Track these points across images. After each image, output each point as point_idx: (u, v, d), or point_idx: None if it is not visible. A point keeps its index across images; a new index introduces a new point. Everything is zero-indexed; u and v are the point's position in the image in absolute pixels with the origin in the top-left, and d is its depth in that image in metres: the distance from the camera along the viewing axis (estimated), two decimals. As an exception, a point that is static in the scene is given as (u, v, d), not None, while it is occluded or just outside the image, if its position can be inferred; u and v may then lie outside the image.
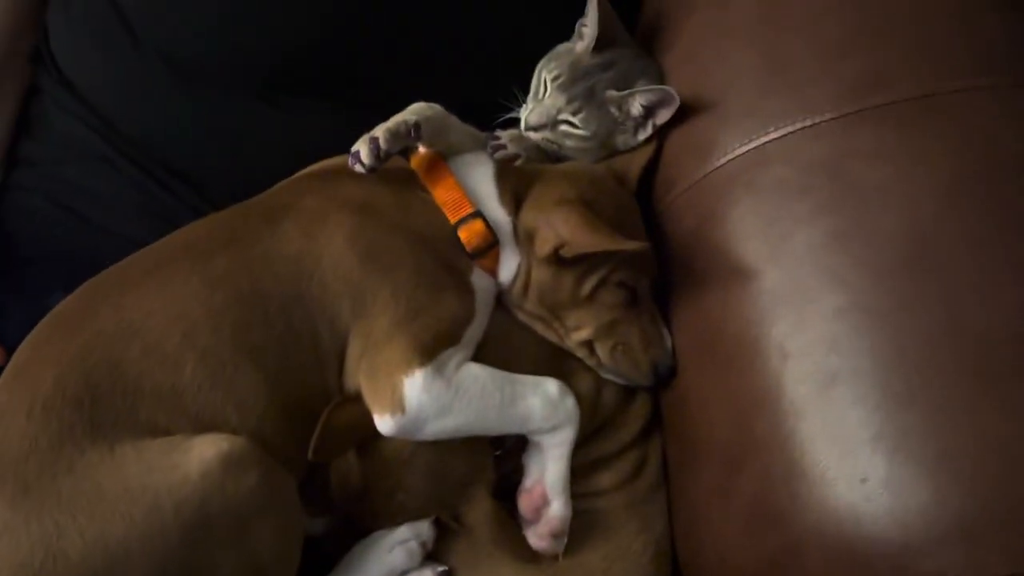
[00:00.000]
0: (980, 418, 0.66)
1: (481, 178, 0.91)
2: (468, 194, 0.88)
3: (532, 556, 0.85)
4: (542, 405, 0.83)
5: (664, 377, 0.91)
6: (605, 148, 0.97)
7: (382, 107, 0.88)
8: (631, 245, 0.83)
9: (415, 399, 0.77)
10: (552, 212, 0.87)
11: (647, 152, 0.96)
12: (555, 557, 0.85)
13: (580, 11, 0.97)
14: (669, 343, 0.91)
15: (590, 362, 0.91)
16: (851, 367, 0.72)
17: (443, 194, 0.87)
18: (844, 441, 0.71)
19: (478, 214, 0.87)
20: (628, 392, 0.94)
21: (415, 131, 0.86)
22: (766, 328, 0.79)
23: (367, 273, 0.81)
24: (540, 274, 0.88)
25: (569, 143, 0.96)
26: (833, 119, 0.80)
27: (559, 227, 0.86)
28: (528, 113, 0.96)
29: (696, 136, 0.92)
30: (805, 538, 0.72)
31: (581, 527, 0.87)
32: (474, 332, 0.85)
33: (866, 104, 0.79)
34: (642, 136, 0.96)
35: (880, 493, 0.68)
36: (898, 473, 0.68)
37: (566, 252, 0.85)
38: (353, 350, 0.81)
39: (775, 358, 0.78)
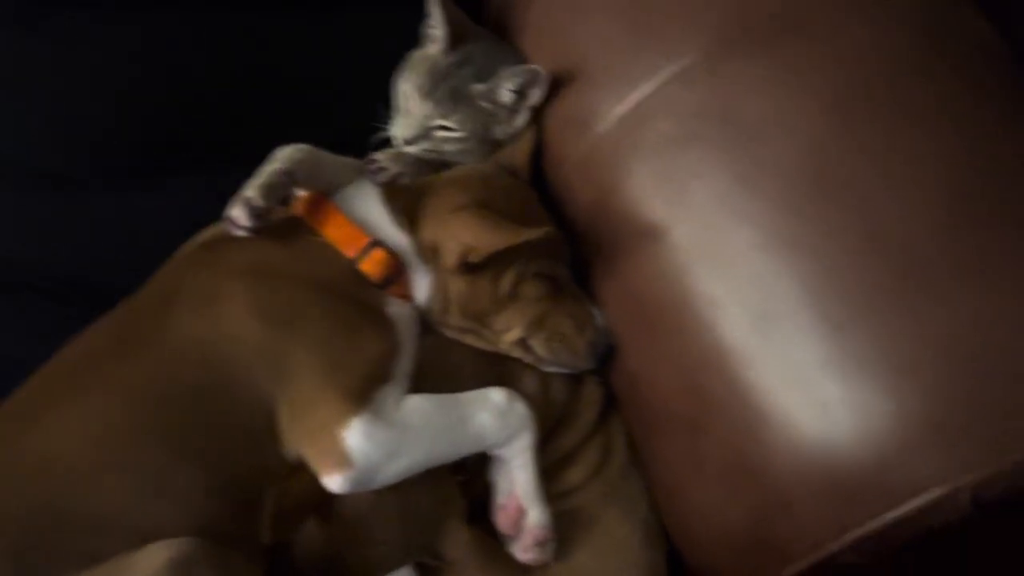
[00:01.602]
0: (922, 320, 0.66)
1: (370, 206, 0.87)
2: (360, 225, 0.84)
3: (524, 571, 0.83)
4: (492, 418, 0.80)
5: (605, 355, 0.89)
6: (486, 143, 0.94)
7: (259, 160, 0.84)
8: (535, 233, 0.80)
9: (359, 450, 0.74)
10: (450, 221, 0.84)
11: (530, 136, 0.94)
12: (546, 566, 0.83)
13: (419, 17, 0.94)
14: (601, 321, 0.89)
15: (529, 360, 0.89)
16: (782, 302, 0.72)
17: (335, 232, 0.83)
18: (796, 376, 0.70)
19: (376, 243, 0.83)
20: (576, 380, 0.92)
21: (288, 178, 0.81)
22: (689, 283, 0.78)
23: (275, 337, 0.76)
24: (455, 286, 0.85)
25: (449, 148, 0.93)
26: (702, 63, 0.79)
27: (460, 235, 0.83)
28: (399, 128, 0.93)
29: (573, 108, 0.90)
30: (785, 481, 0.72)
31: (564, 529, 0.84)
32: (404, 364, 0.81)
33: (731, 41, 0.79)
34: (520, 122, 0.94)
35: (844, 416, 0.68)
36: (856, 392, 0.68)
37: (474, 257, 0.82)
38: (284, 419, 0.76)
39: (706, 311, 0.77)
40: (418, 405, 0.79)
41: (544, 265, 0.87)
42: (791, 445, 0.70)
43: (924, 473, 0.64)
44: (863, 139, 0.71)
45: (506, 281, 0.85)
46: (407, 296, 0.85)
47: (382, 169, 0.90)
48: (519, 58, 0.95)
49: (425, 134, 0.92)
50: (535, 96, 0.91)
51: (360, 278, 0.82)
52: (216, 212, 0.83)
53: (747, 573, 0.79)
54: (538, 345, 0.88)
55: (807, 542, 0.71)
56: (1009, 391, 0.65)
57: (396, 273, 0.84)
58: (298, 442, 0.76)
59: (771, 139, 0.74)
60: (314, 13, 1.02)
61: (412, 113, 0.92)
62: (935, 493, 0.64)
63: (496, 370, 0.88)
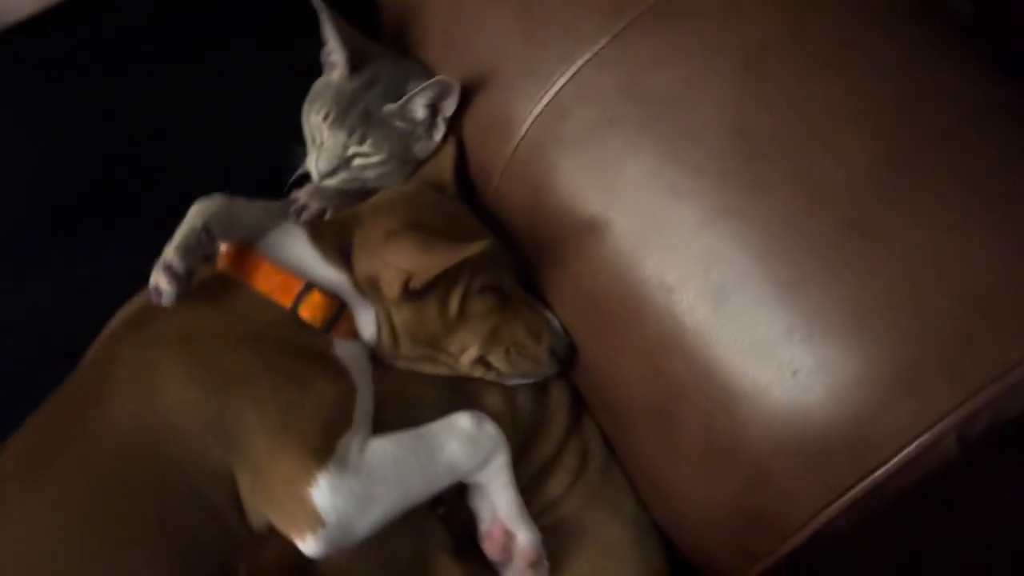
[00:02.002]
0: (875, 267, 0.65)
1: (298, 248, 0.83)
2: (291, 270, 0.80)
3: None
4: (462, 445, 0.77)
5: (567, 357, 0.86)
6: (407, 163, 0.91)
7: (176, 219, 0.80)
8: (474, 248, 0.77)
9: (330, 506, 0.70)
10: (384, 250, 0.81)
11: (451, 149, 0.91)
12: None
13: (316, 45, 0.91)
14: (557, 324, 0.87)
15: (491, 377, 0.86)
16: (735, 274, 0.70)
17: (265, 282, 0.79)
18: (760, 347, 0.68)
19: (311, 286, 0.79)
20: (541, 389, 0.89)
21: (206, 234, 0.77)
22: (638, 271, 0.76)
23: (219, 401, 0.72)
24: (401, 315, 0.82)
25: (369, 174, 0.90)
26: (609, 44, 0.77)
27: (397, 261, 0.80)
28: (315, 162, 0.89)
29: (490, 114, 0.88)
30: (765, 454, 0.70)
31: (555, 543, 0.81)
32: (363, 406, 0.78)
33: (632, 16, 0.77)
34: (438, 136, 0.91)
35: (815, 380, 0.66)
36: (823, 354, 0.66)
37: (416, 283, 0.79)
38: (245, 488, 0.72)
39: (660, 296, 0.74)
40: (383, 447, 0.75)
41: (489, 278, 0.84)
42: (765, 417, 0.68)
43: (905, 424, 0.62)
44: (779, 93, 0.70)
45: (453, 301, 0.82)
46: (353, 334, 0.82)
47: (304, 207, 0.87)
48: (425, 72, 0.92)
49: (343, 164, 0.89)
50: (449, 107, 0.88)
51: (300, 325, 0.79)
52: (140, 279, 0.78)
53: (746, 555, 0.77)
54: (497, 360, 0.85)
55: (799, 513, 0.69)
56: (965, 320, 0.63)
57: (337, 314, 0.80)
58: (264, 509, 0.72)
59: (690, 106, 0.73)
60: (211, 59, 0.98)
61: (326, 145, 0.89)
62: (920, 441, 0.63)
63: (458, 394, 0.85)
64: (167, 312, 0.76)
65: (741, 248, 0.70)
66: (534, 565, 0.79)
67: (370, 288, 0.82)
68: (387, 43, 0.97)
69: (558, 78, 0.80)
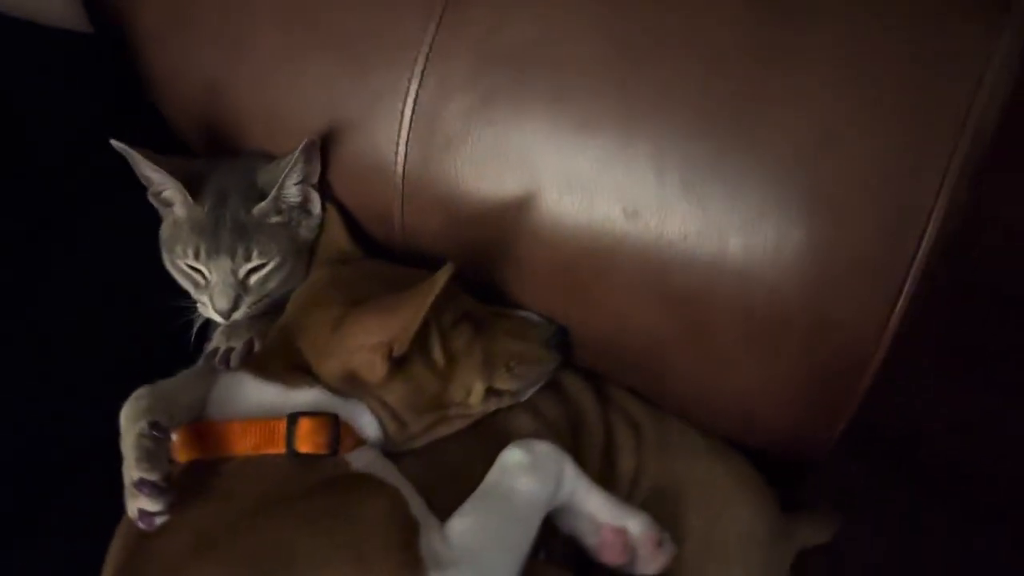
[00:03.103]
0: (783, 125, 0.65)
1: (253, 392, 0.73)
2: (261, 415, 0.70)
3: None
4: (529, 477, 0.71)
5: (562, 340, 0.82)
6: (302, 253, 0.83)
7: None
8: (440, 278, 0.70)
9: None
10: (343, 340, 0.72)
11: (333, 215, 0.84)
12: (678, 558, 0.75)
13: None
14: (535, 316, 0.82)
15: (507, 402, 0.80)
16: (685, 167, 0.68)
17: (245, 441, 0.69)
18: (730, 229, 0.68)
19: (294, 417, 0.70)
20: (555, 388, 0.84)
21: (157, 431, 0.66)
22: (592, 216, 0.73)
23: None
24: (395, 393, 0.74)
25: (272, 284, 0.81)
26: (438, 30, 0.74)
27: (366, 341, 0.72)
28: (212, 304, 0.79)
29: (357, 161, 0.81)
30: (807, 306, 0.69)
31: (659, 514, 0.76)
32: (415, 502, 0.69)
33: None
34: (316, 208, 0.83)
35: (772, 256, 0.67)
36: (783, 232, 0.66)
37: (399, 347, 0.71)
38: None
39: (626, 225, 0.72)
40: (462, 524, 0.68)
41: (454, 309, 0.77)
42: (788, 276, 0.67)
43: (856, 289, 0.64)
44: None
45: (436, 350, 0.75)
46: (359, 442, 0.73)
47: (229, 352, 0.77)
48: (263, 155, 0.84)
49: (240, 290, 0.79)
50: (315, 172, 0.81)
51: (306, 461, 0.69)
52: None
53: (828, 411, 0.76)
54: (503, 382, 0.79)
55: (869, 329, 0.68)
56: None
57: (334, 431, 0.71)
58: None
59: (556, 42, 0.70)
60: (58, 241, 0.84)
61: (214, 281, 0.79)
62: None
63: (486, 438, 0.78)
64: (164, 532, 0.65)
65: (672, 144, 0.68)
66: (659, 544, 0.74)
67: (350, 385, 0.73)
68: (212, 133, 0.87)
69: (408, 87, 0.75)
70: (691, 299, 0.72)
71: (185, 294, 0.81)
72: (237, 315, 0.79)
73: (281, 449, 0.69)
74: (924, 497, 1.02)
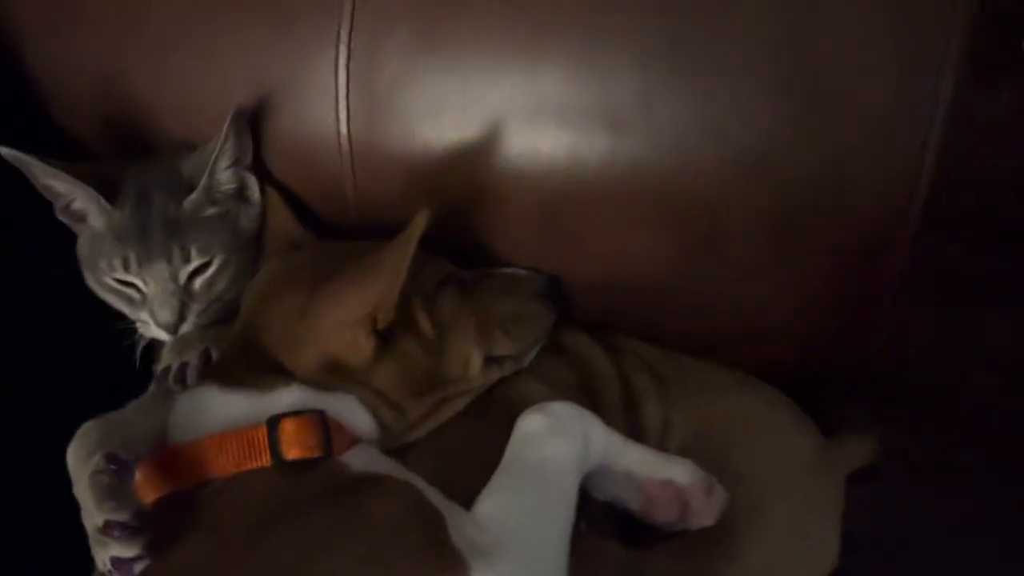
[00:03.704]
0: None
1: (217, 405, 0.62)
2: (236, 425, 0.60)
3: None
4: (555, 440, 0.63)
5: (555, 290, 0.75)
6: (248, 245, 0.73)
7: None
8: (416, 230, 0.60)
9: None
10: (316, 324, 0.63)
11: (274, 198, 0.75)
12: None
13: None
14: (521, 270, 0.74)
15: (510, 368, 0.72)
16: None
17: (224, 459, 0.58)
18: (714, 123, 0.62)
19: (275, 421, 0.59)
20: (557, 349, 0.76)
21: (116, 467, 0.55)
22: (569, 143, 0.65)
23: None
24: (385, 375, 0.64)
25: (220, 286, 0.71)
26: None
27: (345, 314, 0.62)
28: (157, 321, 0.68)
29: (290, 126, 0.72)
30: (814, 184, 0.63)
31: (701, 458, 0.68)
32: (433, 494, 0.60)
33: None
34: (255, 194, 0.73)
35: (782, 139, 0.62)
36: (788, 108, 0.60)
37: (384, 318, 0.62)
38: None
39: (601, 142, 0.64)
40: (491, 504, 0.59)
41: (433, 273, 0.68)
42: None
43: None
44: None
45: (423, 321, 0.66)
46: (355, 440, 0.63)
47: (183, 368, 0.66)
48: (181, 143, 0.74)
49: (184, 297, 0.69)
50: (248, 151, 0.71)
51: (298, 468, 0.59)
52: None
53: (862, 300, 0.69)
54: (502, 347, 0.70)
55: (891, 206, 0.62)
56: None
57: (323, 429, 0.61)
58: None
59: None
60: None
61: (152, 291, 0.68)
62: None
63: (494, 415, 0.69)
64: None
65: (658, 32, 0.61)
66: (709, 489, 0.66)
67: (333, 376, 0.63)
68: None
69: (339, 29, 0.66)
70: (696, 211, 0.65)
71: (120, 316, 0.70)
72: (185, 327, 0.69)
73: (266, 461, 0.58)
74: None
